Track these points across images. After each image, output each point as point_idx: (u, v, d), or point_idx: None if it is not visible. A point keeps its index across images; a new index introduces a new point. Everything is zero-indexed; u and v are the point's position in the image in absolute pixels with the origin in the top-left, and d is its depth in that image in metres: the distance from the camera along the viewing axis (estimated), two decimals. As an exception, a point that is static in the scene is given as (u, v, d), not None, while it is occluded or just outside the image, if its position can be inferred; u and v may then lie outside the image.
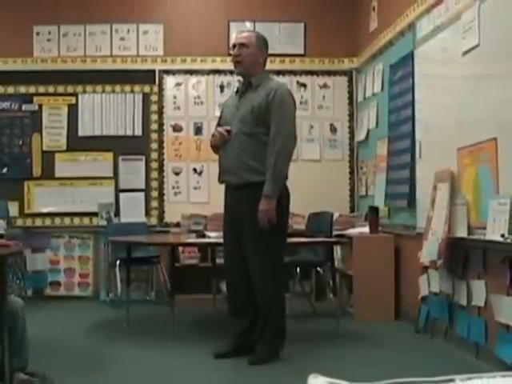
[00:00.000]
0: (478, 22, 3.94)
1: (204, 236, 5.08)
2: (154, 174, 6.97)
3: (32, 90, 6.91)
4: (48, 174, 6.88)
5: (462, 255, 4.20)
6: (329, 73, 7.09)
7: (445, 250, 4.18)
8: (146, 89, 6.99)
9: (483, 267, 3.94)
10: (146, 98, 6.99)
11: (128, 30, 6.98)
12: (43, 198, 6.85)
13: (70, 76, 6.89)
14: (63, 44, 6.93)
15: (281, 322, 4.16)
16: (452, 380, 0.85)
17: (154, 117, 6.98)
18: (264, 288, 4.09)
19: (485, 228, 3.72)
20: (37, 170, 6.89)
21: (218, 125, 4.40)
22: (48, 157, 6.88)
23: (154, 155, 6.97)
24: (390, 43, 5.85)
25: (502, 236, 3.48)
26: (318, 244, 5.42)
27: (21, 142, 6.88)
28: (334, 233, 5.56)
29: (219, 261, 5.43)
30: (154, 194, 6.96)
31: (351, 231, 6.02)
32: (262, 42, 4.31)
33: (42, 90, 6.93)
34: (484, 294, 3.91)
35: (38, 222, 6.89)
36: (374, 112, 6.35)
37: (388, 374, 1.26)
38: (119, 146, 6.90)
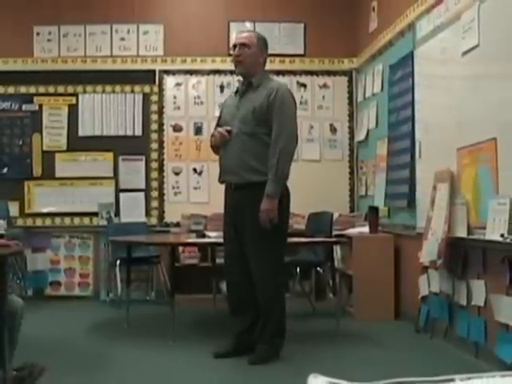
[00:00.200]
0: (478, 22, 3.95)
1: (204, 236, 5.08)
2: (154, 174, 6.97)
3: (32, 90, 6.92)
4: (48, 173, 6.88)
5: (461, 255, 4.20)
6: (329, 73, 7.10)
7: (444, 249, 4.19)
8: (146, 89, 6.99)
9: (483, 267, 3.95)
10: (146, 98, 6.99)
11: (128, 31, 6.98)
12: (43, 198, 6.86)
13: (70, 76, 6.90)
14: (63, 44, 6.94)
15: (281, 322, 4.16)
16: (452, 380, 0.85)
17: (154, 117, 6.99)
18: (265, 287, 4.10)
19: (484, 228, 3.72)
20: (37, 170, 6.89)
21: (218, 125, 4.41)
22: (48, 157, 6.89)
23: (154, 155, 6.97)
24: (390, 43, 5.86)
25: (502, 236, 3.49)
26: (318, 244, 5.43)
27: (21, 142, 6.89)
28: (334, 233, 5.57)
29: (219, 261, 5.44)
30: (154, 193, 6.97)
31: (351, 231, 6.03)
32: (263, 43, 4.31)
33: (42, 90, 6.93)
34: (484, 294, 3.91)
35: (39, 221, 6.89)
36: (373, 112, 6.36)
37: (388, 373, 1.27)
38: (119, 146, 6.90)
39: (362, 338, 4.87)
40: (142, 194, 6.94)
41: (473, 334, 4.05)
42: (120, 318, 5.43)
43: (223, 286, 5.43)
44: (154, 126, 6.98)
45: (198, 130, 6.98)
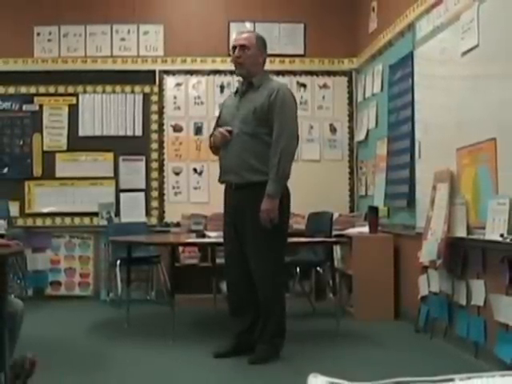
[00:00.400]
0: (478, 23, 3.95)
1: (204, 236, 5.09)
2: (155, 174, 6.98)
3: (33, 90, 6.93)
4: (48, 174, 6.89)
5: (461, 255, 4.21)
6: (328, 73, 7.11)
7: (444, 249, 4.19)
8: (147, 89, 7.00)
9: (482, 267, 3.95)
10: (146, 98, 7.00)
11: (128, 31, 6.99)
12: (44, 198, 6.87)
13: (70, 76, 6.90)
14: (64, 44, 6.95)
15: (281, 322, 4.17)
16: (451, 379, 0.86)
17: (155, 117, 6.99)
18: (265, 287, 4.10)
19: (484, 228, 3.73)
20: (37, 170, 6.90)
21: (217, 125, 4.41)
22: (48, 157, 6.90)
23: (155, 155, 6.98)
24: (390, 44, 5.87)
25: (501, 236, 3.49)
26: (318, 244, 5.43)
27: (21, 142, 6.89)
28: (334, 233, 5.58)
29: (219, 261, 5.45)
30: (155, 193, 6.97)
31: (351, 231, 6.03)
32: (262, 43, 4.32)
33: (42, 90, 6.94)
34: (483, 294, 3.92)
35: (39, 221, 6.90)
36: (373, 112, 6.37)
37: (388, 373, 1.27)
38: (119, 146, 6.91)
39: (362, 337, 4.87)
40: (142, 194, 6.95)
41: (472, 334, 4.06)
42: (120, 318, 5.44)
43: (223, 286, 5.44)
44: (154, 126, 6.99)
45: (198, 130, 6.99)
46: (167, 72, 7.03)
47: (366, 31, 6.63)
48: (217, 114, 4.61)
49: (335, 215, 5.97)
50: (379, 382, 0.85)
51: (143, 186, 6.95)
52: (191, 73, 7.03)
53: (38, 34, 6.93)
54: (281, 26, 7.05)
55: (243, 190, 4.13)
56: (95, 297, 6.80)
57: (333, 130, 7.11)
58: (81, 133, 6.94)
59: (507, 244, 3.43)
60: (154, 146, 6.98)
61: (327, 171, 7.03)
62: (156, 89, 7.01)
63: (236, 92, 4.42)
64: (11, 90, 6.91)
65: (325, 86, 7.11)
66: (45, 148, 6.91)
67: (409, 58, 5.28)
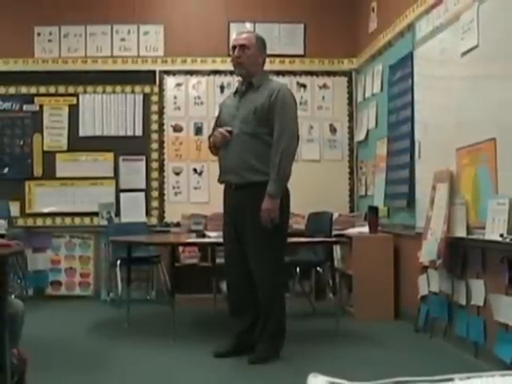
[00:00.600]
0: (477, 23, 3.96)
1: (204, 236, 5.09)
2: (155, 174, 6.99)
3: (33, 90, 6.94)
4: (49, 174, 6.90)
5: (461, 255, 4.22)
6: (328, 73, 7.11)
7: (444, 249, 4.20)
8: (147, 89, 7.01)
9: (482, 267, 3.96)
10: (146, 98, 7.01)
11: (128, 31, 7.00)
12: (44, 198, 6.88)
13: (70, 76, 6.91)
14: (64, 45, 6.95)
15: (281, 322, 4.17)
16: (451, 379, 0.86)
17: (155, 117, 7.00)
18: (265, 287, 4.11)
19: (484, 228, 3.73)
20: (38, 170, 6.91)
21: (217, 125, 4.42)
22: (49, 157, 6.90)
23: (155, 155, 6.99)
24: (390, 44, 5.87)
25: (501, 236, 3.50)
26: (318, 244, 5.44)
27: (22, 143, 6.90)
28: (334, 233, 5.58)
29: (219, 260, 5.46)
30: (155, 193, 6.98)
31: (351, 231, 6.04)
32: (261, 43, 4.32)
33: (42, 90, 6.95)
34: (483, 294, 3.92)
35: (39, 221, 6.91)
36: (373, 112, 6.37)
37: (387, 373, 1.28)
38: (120, 146, 6.92)
39: (362, 337, 4.88)
40: (142, 194, 6.95)
41: (472, 334, 4.07)
42: (120, 318, 5.45)
43: (223, 286, 5.44)
44: (155, 127, 7.00)
45: (199, 131, 7.00)
46: (167, 72, 7.03)
47: (365, 31, 6.64)
48: (217, 114, 4.61)
49: (335, 215, 5.98)
50: (379, 382, 0.86)
51: (143, 186, 6.96)
52: (191, 73, 7.04)
53: (39, 35, 6.94)
54: (281, 27, 7.05)
55: (243, 190, 4.13)
56: (95, 297, 6.81)
57: (333, 130, 7.12)
58: (81, 133, 6.94)
59: (507, 244, 3.44)
60: (154, 146, 6.99)
61: (327, 171, 7.03)
62: (156, 89, 7.01)
63: (235, 92, 4.43)
64: (12, 90, 6.92)
65: (325, 86, 7.12)
66: (45, 148, 6.92)
67: (408, 58, 5.28)
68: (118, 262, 6.10)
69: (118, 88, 6.98)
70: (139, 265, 6.40)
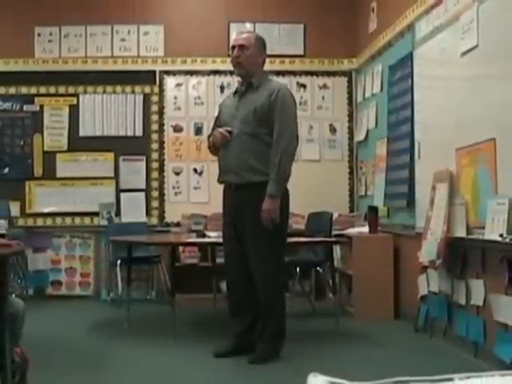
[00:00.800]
0: (477, 23, 3.96)
1: (204, 236, 5.10)
2: (155, 174, 6.99)
3: (33, 90, 6.94)
4: (49, 174, 6.91)
5: (460, 255, 4.22)
6: (328, 73, 7.12)
7: (444, 249, 4.20)
8: (147, 89, 7.01)
9: (482, 267, 3.96)
10: (146, 98, 7.01)
11: (129, 31, 7.00)
12: (44, 198, 6.88)
13: (71, 77, 6.92)
14: (64, 45, 6.96)
15: (281, 322, 4.18)
16: (451, 379, 0.87)
17: (155, 117, 7.01)
18: (265, 287, 4.12)
19: (483, 228, 3.74)
20: (38, 170, 6.92)
21: (216, 125, 4.42)
22: (49, 157, 6.91)
23: (155, 155, 6.99)
24: (389, 44, 5.88)
25: (501, 236, 3.50)
26: (318, 244, 5.44)
27: (22, 143, 6.91)
28: (334, 232, 5.58)
29: (219, 260, 5.46)
30: (155, 193, 6.99)
31: (351, 231, 6.04)
32: (261, 43, 4.33)
33: (43, 90, 6.95)
34: (483, 294, 3.93)
35: (40, 221, 6.91)
36: (373, 112, 6.38)
37: (387, 372, 1.29)
38: (120, 146, 6.92)
39: (362, 337, 4.89)
40: (142, 194, 6.96)
41: (472, 334, 4.07)
42: (121, 318, 5.45)
43: (223, 286, 5.44)
44: (155, 127, 7.00)
45: (199, 131, 7.00)
46: (167, 72, 7.04)
47: (365, 32, 6.64)
48: (216, 114, 4.61)
49: (335, 215, 5.99)
50: (379, 382, 0.86)
51: (143, 186, 6.97)
52: (191, 73, 7.05)
53: (39, 35, 6.95)
54: (281, 27, 7.06)
55: (243, 190, 4.14)
56: (96, 296, 6.81)
57: (332, 130, 7.12)
58: (81, 133, 6.95)
59: (506, 244, 3.45)
60: (155, 146, 7.00)
61: (327, 171, 7.04)
62: (156, 89, 7.02)
63: (235, 92, 4.43)
64: (12, 90, 6.93)
65: (324, 86, 7.12)
66: (45, 148, 6.93)
67: (408, 58, 5.29)
68: (119, 261, 6.10)
69: (118, 88, 6.99)
70: (139, 265, 6.41)
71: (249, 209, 4.08)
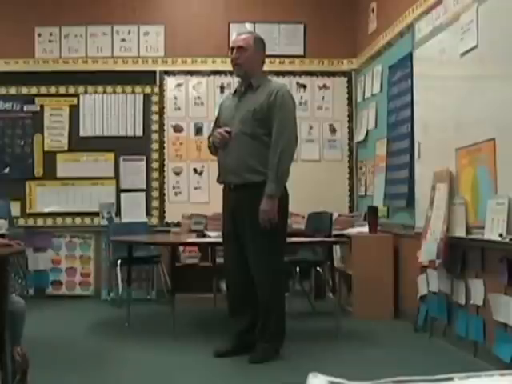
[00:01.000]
0: (477, 24, 3.97)
1: (204, 236, 5.11)
2: (155, 174, 7.00)
3: (34, 90, 6.95)
4: (50, 174, 6.92)
5: (460, 255, 4.23)
6: (328, 74, 7.12)
7: (443, 249, 4.21)
8: (147, 89, 7.02)
9: (481, 266, 3.97)
10: (146, 98, 7.02)
11: (129, 32, 7.01)
12: (45, 198, 6.89)
13: (71, 77, 6.93)
14: (65, 45, 6.97)
15: (281, 321, 4.19)
16: (450, 379, 0.87)
17: (155, 117, 7.02)
18: (265, 287, 4.12)
19: (483, 228, 3.75)
20: (38, 170, 6.92)
21: (216, 126, 4.43)
22: (49, 157, 6.92)
23: (155, 155, 7.00)
24: (389, 44, 5.88)
25: (500, 235, 3.51)
26: (318, 243, 5.45)
27: (23, 143, 6.92)
28: (334, 232, 5.59)
29: (219, 260, 5.47)
30: (155, 193, 7.00)
31: (350, 231, 6.05)
32: (260, 44, 4.33)
33: (43, 90, 6.96)
34: (482, 293, 3.93)
35: (40, 221, 6.92)
36: (373, 113, 6.38)
37: (387, 372, 1.30)
38: (120, 146, 6.93)
39: (362, 337, 4.89)
40: (142, 194, 6.97)
41: (471, 333, 4.08)
42: (121, 317, 5.46)
43: (223, 286, 5.45)
44: (155, 127, 7.01)
45: (199, 131, 7.01)
46: (168, 72, 7.05)
47: (365, 32, 6.65)
48: (217, 114, 4.62)
49: (335, 215, 5.99)
50: (378, 381, 0.87)
51: (144, 186, 6.98)
52: (191, 73, 7.05)
53: (39, 35, 6.96)
54: (281, 27, 7.07)
55: (242, 190, 4.14)
56: (96, 296, 6.82)
57: (332, 130, 7.13)
58: (82, 133, 6.96)
59: (506, 244, 3.45)
60: (155, 146, 7.00)
61: (327, 171, 7.05)
62: (156, 89, 7.03)
63: (234, 92, 4.44)
64: (12, 90, 6.94)
65: (324, 86, 7.13)
66: (46, 148, 6.94)
67: (408, 58, 5.30)
68: (119, 261, 6.11)
69: (119, 88, 7.00)
70: (140, 264, 6.42)
71: (248, 209, 4.08)
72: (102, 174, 6.93)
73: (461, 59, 4.22)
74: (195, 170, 7.01)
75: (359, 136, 6.83)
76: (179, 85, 7.06)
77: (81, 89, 6.98)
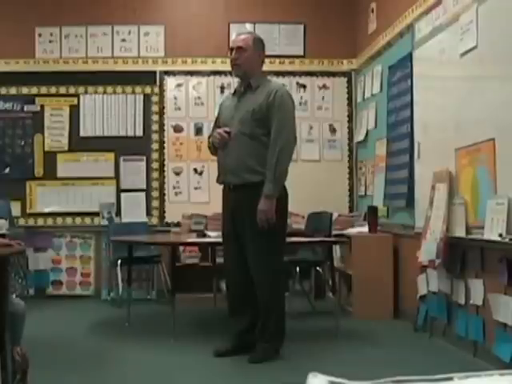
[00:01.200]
0: (476, 24, 3.98)
1: (204, 235, 5.11)
2: (155, 174, 7.01)
3: (34, 90, 6.96)
4: (50, 174, 6.92)
5: (460, 254, 4.23)
6: (328, 74, 7.13)
7: (443, 249, 4.21)
8: (147, 90, 7.03)
9: (481, 266, 3.98)
10: (146, 98, 7.03)
11: (129, 32, 7.02)
12: (45, 198, 6.90)
13: (71, 77, 6.93)
14: (65, 45, 6.98)
15: (280, 321, 4.19)
16: (450, 378, 0.88)
17: (155, 117, 7.02)
18: (264, 287, 4.13)
19: (483, 228, 3.75)
20: (39, 170, 6.93)
21: (216, 126, 4.44)
22: (50, 157, 6.93)
23: (155, 155, 7.01)
24: (389, 44, 5.89)
25: (500, 235, 3.52)
26: (318, 243, 5.46)
27: (23, 143, 6.92)
28: (334, 232, 5.59)
29: (219, 260, 5.47)
30: (155, 193, 7.00)
31: (350, 231, 6.05)
32: (259, 44, 4.33)
33: (44, 90, 6.97)
34: (482, 293, 3.94)
35: (40, 221, 6.93)
36: (372, 113, 6.39)
37: (387, 372, 1.30)
38: (120, 146, 6.94)
39: (361, 336, 4.90)
40: (142, 194, 6.98)
41: (471, 333, 4.09)
42: (121, 317, 5.46)
43: (223, 286, 5.45)
44: (155, 127, 7.02)
45: (199, 131, 7.02)
46: (168, 73, 7.06)
47: (365, 32, 6.66)
48: (217, 114, 4.63)
49: (335, 215, 6.00)
50: (378, 381, 0.88)
51: (144, 186, 6.98)
52: (191, 73, 7.06)
53: (40, 35, 6.97)
54: (281, 27, 7.07)
55: (241, 190, 4.15)
56: (96, 296, 6.83)
57: (332, 130, 7.14)
58: (82, 133, 6.97)
59: (506, 244, 3.46)
60: (155, 146, 7.01)
61: (327, 171, 7.05)
62: (157, 89, 7.03)
63: (234, 93, 4.45)
64: (13, 90, 6.94)
65: (324, 86, 7.14)
66: (46, 148, 6.94)
67: (408, 58, 5.30)
68: (119, 261, 6.11)
69: (119, 88, 7.01)
70: (140, 264, 6.42)
71: (247, 209, 4.09)
72: (102, 174, 6.94)
73: (460, 59, 4.23)
74: (195, 170, 7.02)
75: (359, 136, 6.84)
76: (179, 85, 7.07)
77: (81, 89, 6.98)
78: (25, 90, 6.95)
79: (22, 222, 6.86)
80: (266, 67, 4.46)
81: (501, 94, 3.68)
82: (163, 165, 7.01)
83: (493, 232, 3.62)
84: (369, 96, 6.54)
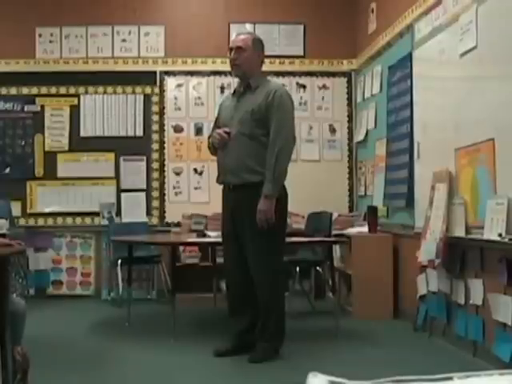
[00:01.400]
0: (476, 24, 3.98)
1: (204, 235, 5.12)
2: (155, 174, 7.01)
3: (34, 91, 6.96)
4: (50, 174, 6.93)
5: (459, 254, 4.24)
6: (328, 74, 7.13)
7: (443, 249, 4.22)
8: (147, 90, 7.04)
9: (481, 266, 3.98)
10: (147, 99, 7.03)
11: (129, 32, 7.02)
12: (45, 198, 6.90)
13: (72, 77, 6.94)
14: (65, 45, 6.98)
15: (280, 321, 4.20)
16: (450, 378, 0.88)
17: (155, 117, 7.03)
18: (264, 287, 4.13)
19: (482, 227, 3.76)
20: (39, 170, 6.94)
21: (215, 126, 4.45)
22: (50, 157, 6.93)
23: (155, 155, 7.01)
24: (389, 45, 5.90)
25: (500, 235, 3.52)
26: (318, 243, 5.46)
27: (23, 143, 6.93)
28: (333, 232, 5.60)
29: (220, 260, 5.47)
30: (155, 193, 7.01)
31: (350, 231, 6.05)
32: (259, 44, 4.34)
33: (44, 91, 6.97)
34: (481, 293, 3.94)
35: (41, 221, 6.93)
36: (372, 113, 6.39)
37: (386, 372, 1.31)
38: (121, 146, 6.94)
39: (361, 336, 4.90)
40: (143, 194, 6.98)
41: (471, 333, 4.09)
42: (121, 317, 5.47)
43: (223, 286, 5.46)
44: (155, 127, 7.02)
45: (199, 131, 7.02)
46: (168, 73, 7.06)
47: (365, 32, 6.66)
48: (216, 114, 4.64)
49: (335, 215, 6.00)
50: (378, 381, 0.88)
51: (144, 186, 6.99)
52: (192, 74, 7.07)
53: (40, 35, 6.97)
54: (280, 27, 7.08)
55: (241, 190, 4.16)
56: (96, 296, 6.83)
57: (332, 130, 7.14)
58: (82, 133, 6.97)
59: (505, 243, 3.46)
60: (155, 146, 7.02)
61: (327, 171, 7.06)
62: (157, 90, 7.04)
63: (234, 93, 4.46)
64: (13, 90, 6.95)
65: (324, 86, 7.14)
66: (46, 148, 6.95)
67: (408, 58, 5.31)
68: (119, 261, 6.12)
69: (119, 89, 7.01)
70: (140, 264, 6.43)
71: (247, 209, 4.09)
72: (102, 174, 6.94)
73: (460, 60, 4.23)
74: (195, 170, 7.02)
75: (359, 136, 6.84)
76: (179, 85, 7.07)
77: (81, 89, 6.99)
78: (25, 90, 6.96)
79: (22, 221, 6.87)
80: (265, 67, 4.47)
81: (500, 94, 3.69)
82: (163, 165, 7.02)
83: (492, 232, 3.62)
84: (369, 96, 6.54)
